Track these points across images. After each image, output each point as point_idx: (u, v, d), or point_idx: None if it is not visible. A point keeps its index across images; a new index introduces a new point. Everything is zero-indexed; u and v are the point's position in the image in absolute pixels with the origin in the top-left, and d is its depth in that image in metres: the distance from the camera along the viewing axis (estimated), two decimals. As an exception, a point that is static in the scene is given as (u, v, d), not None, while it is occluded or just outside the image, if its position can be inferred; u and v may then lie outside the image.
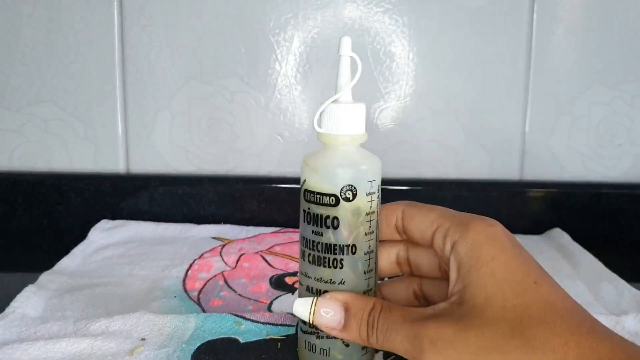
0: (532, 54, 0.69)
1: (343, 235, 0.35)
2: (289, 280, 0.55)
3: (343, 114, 0.36)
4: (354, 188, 0.35)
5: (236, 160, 0.71)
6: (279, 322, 0.45)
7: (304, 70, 0.69)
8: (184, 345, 0.41)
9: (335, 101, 0.36)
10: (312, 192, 0.36)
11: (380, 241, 0.38)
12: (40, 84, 0.69)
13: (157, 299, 0.49)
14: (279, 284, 0.54)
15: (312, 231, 0.36)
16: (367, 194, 0.36)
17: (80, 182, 0.69)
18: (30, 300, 0.47)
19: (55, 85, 0.69)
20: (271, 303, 0.50)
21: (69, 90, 0.69)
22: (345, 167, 0.35)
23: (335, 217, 0.35)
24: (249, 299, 0.51)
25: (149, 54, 0.69)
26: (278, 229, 0.68)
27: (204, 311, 0.48)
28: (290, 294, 0.52)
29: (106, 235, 0.64)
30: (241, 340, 0.42)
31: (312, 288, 0.36)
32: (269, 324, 0.45)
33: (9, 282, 0.56)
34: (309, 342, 0.38)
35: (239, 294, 0.51)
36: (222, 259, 0.59)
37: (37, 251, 0.64)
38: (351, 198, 0.35)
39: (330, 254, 0.35)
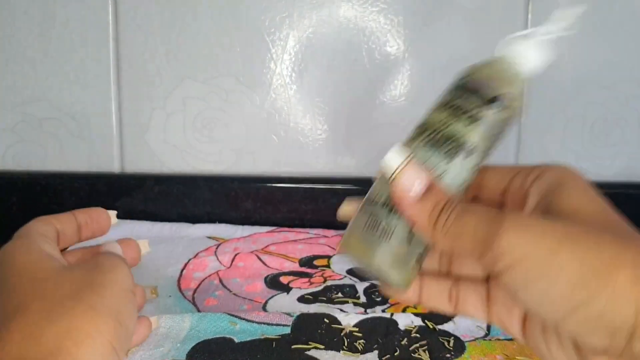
0: (526, 53, 0.69)
1: (476, 133, 0.33)
2: (284, 279, 0.55)
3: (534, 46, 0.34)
4: (512, 98, 0.34)
5: (231, 160, 0.71)
6: (274, 322, 0.45)
7: (299, 69, 0.69)
8: (179, 345, 0.41)
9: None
10: (468, 86, 0.34)
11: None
12: (34, 83, 0.69)
13: (151, 299, 0.49)
14: (274, 283, 0.54)
15: (449, 115, 0.33)
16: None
17: (74, 182, 0.69)
18: (24, 300, 0.46)
19: (49, 84, 0.69)
20: (266, 302, 0.50)
21: (63, 89, 0.69)
22: (516, 81, 0.34)
23: (475, 115, 0.33)
24: (244, 298, 0.51)
25: (143, 53, 0.69)
26: (273, 228, 0.68)
27: (198, 311, 0.48)
28: (285, 293, 0.52)
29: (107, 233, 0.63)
30: (236, 340, 0.42)
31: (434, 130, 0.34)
32: (264, 323, 0.45)
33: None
34: (374, 218, 0.33)
35: (234, 294, 0.51)
36: (217, 259, 0.59)
37: (31, 251, 0.64)
38: (503, 107, 0.33)
39: (448, 143, 0.33)
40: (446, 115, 0.34)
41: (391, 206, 0.32)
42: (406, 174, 0.31)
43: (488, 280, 0.33)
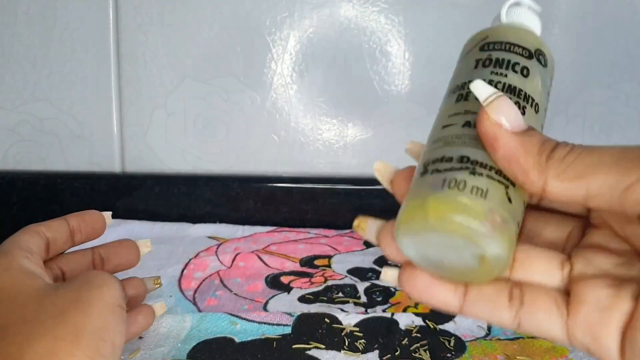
0: (527, 53, 0.69)
1: (532, 85, 0.29)
2: (284, 279, 0.55)
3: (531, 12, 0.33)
4: (550, 56, 0.31)
5: (232, 160, 0.71)
6: (275, 322, 0.45)
7: (299, 69, 0.69)
8: (179, 345, 0.41)
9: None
10: (502, 42, 0.31)
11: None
12: (35, 83, 0.69)
13: (152, 299, 0.49)
14: (275, 283, 0.54)
15: (491, 72, 0.29)
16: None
17: (75, 182, 0.69)
18: (25, 300, 0.47)
19: (50, 83, 0.69)
20: (267, 302, 0.50)
21: (64, 89, 0.69)
22: (540, 42, 0.32)
23: (525, 67, 0.29)
24: (244, 298, 0.51)
25: (144, 53, 0.69)
26: (274, 228, 0.68)
27: (199, 310, 0.48)
28: (285, 293, 0.52)
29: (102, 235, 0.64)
30: (237, 340, 0.42)
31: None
32: (265, 323, 0.45)
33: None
34: (453, 179, 0.24)
35: (235, 294, 0.51)
36: (218, 258, 0.59)
37: (32, 250, 0.64)
38: (544, 64, 0.31)
39: (514, 96, 0.27)
40: (491, 70, 0.29)
41: (473, 168, 0.24)
42: (502, 101, 0.24)
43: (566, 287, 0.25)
